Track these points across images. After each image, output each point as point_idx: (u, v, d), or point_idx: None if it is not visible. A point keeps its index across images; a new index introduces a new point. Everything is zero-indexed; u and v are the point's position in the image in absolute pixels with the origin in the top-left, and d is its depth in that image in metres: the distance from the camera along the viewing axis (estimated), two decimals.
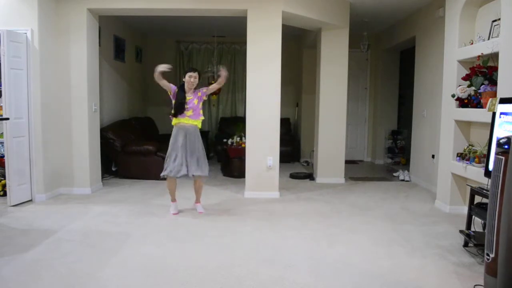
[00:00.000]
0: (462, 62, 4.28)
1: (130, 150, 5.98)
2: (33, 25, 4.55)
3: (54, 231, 3.64)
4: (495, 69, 3.70)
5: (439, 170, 4.70)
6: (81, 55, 4.95)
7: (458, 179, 4.36)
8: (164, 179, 4.36)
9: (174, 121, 4.20)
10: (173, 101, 4.16)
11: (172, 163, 4.12)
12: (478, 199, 3.33)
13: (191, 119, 4.17)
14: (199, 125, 4.26)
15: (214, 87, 4.32)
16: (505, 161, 2.21)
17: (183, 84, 4.20)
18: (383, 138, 7.97)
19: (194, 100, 4.17)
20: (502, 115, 3.09)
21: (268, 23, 4.95)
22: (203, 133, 8.43)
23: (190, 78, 4.15)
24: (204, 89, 4.27)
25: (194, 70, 4.21)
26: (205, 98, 4.28)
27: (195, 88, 4.23)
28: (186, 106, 4.11)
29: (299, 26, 5.89)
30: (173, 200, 4.39)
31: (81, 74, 4.97)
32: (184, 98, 4.12)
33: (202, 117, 4.29)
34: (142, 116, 8.07)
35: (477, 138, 4.18)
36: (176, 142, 4.16)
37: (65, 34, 4.93)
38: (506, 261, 2.10)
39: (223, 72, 4.21)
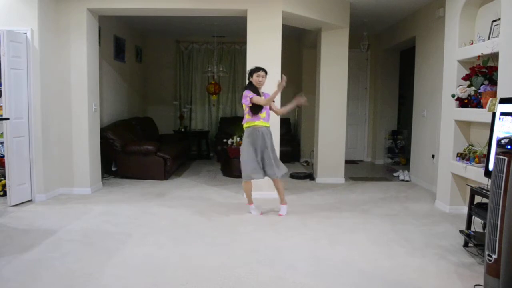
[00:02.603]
0: (462, 62, 4.28)
1: (130, 150, 5.98)
2: (33, 25, 4.55)
3: (54, 231, 3.64)
4: (495, 69, 3.70)
5: (439, 170, 4.70)
6: (81, 55, 4.95)
7: (458, 179, 4.36)
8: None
9: (249, 124, 4.10)
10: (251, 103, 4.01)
11: (251, 166, 4.05)
12: (478, 199, 3.33)
13: (265, 121, 4.12)
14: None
15: (274, 95, 4.07)
16: (508, 161, 2.21)
17: (251, 84, 4.11)
18: (383, 138, 7.97)
19: None
20: None
21: (268, 23, 4.94)
22: (203, 133, 8.51)
23: (259, 78, 4.08)
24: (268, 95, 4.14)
25: (262, 69, 4.11)
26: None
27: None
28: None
29: (299, 26, 5.89)
30: (251, 202, 4.34)
31: (81, 74, 4.97)
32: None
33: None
34: (142, 116, 8.07)
35: (477, 138, 4.18)
36: (252, 145, 4.06)
37: (65, 34, 4.92)
38: (509, 262, 2.10)
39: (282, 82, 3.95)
